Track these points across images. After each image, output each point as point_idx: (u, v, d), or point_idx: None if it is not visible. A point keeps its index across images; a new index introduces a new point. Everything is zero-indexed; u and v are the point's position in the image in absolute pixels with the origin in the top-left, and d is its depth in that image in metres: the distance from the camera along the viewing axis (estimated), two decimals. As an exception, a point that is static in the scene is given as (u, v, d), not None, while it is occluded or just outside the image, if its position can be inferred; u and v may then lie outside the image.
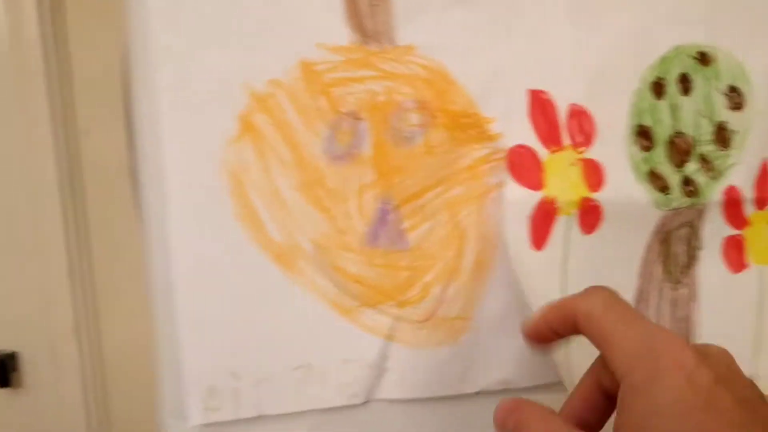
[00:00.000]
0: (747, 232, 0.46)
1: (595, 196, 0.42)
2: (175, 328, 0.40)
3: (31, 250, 0.66)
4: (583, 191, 0.41)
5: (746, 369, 0.46)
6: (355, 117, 0.40)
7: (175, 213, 0.39)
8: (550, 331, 0.34)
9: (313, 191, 0.41)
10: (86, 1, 0.76)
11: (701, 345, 0.30)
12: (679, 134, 0.43)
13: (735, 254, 0.46)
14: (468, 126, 0.41)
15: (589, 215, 0.42)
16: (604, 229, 0.42)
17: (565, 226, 0.42)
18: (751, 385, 0.29)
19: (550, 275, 0.42)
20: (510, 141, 0.41)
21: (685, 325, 0.46)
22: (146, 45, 0.38)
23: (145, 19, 0.37)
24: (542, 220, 0.41)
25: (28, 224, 0.66)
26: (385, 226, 0.41)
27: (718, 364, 0.28)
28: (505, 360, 0.43)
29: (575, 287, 0.43)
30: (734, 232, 0.46)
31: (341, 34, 0.39)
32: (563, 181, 0.41)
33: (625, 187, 0.42)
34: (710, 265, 0.45)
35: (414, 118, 0.40)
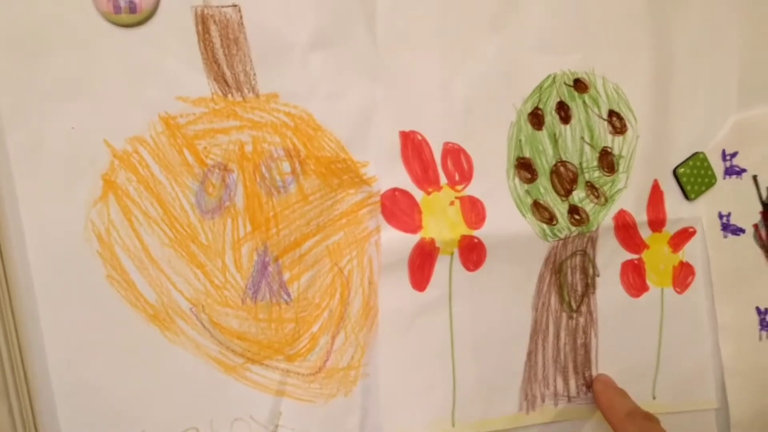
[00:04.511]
0: (646, 256, 0.46)
1: (476, 233, 0.40)
2: (52, 399, 0.39)
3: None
4: (463, 229, 0.40)
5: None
6: (223, 169, 0.39)
7: (39, 282, 0.37)
8: None
9: (186, 247, 0.39)
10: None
11: None
12: (562, 163, 0.42)
13: (634, 278, 0.45)
14: (341, 171, 0.39)
15: (472, 252, 0.41)
16: (489, 264, 0.41)
17: (447, 266, 0.41)
18: None
19: (437, 314, 0.41)
20: (385, 184, 0.39)
21: (584, 351, 0.45)
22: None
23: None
24: (422, 262, 0.40)
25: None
26: (265, 279, 0.40)
27: None
28: (404, 405, 0.42)
29: (464, 324, 0.42)
30: (632, 256, 0.45)
31: (202, 85, 0.37)
32: (441, 221, 0.40)
33: (507, 221, 0.41)
34: (609, 291, 0.44)
35: (285, 166, 0.39)
